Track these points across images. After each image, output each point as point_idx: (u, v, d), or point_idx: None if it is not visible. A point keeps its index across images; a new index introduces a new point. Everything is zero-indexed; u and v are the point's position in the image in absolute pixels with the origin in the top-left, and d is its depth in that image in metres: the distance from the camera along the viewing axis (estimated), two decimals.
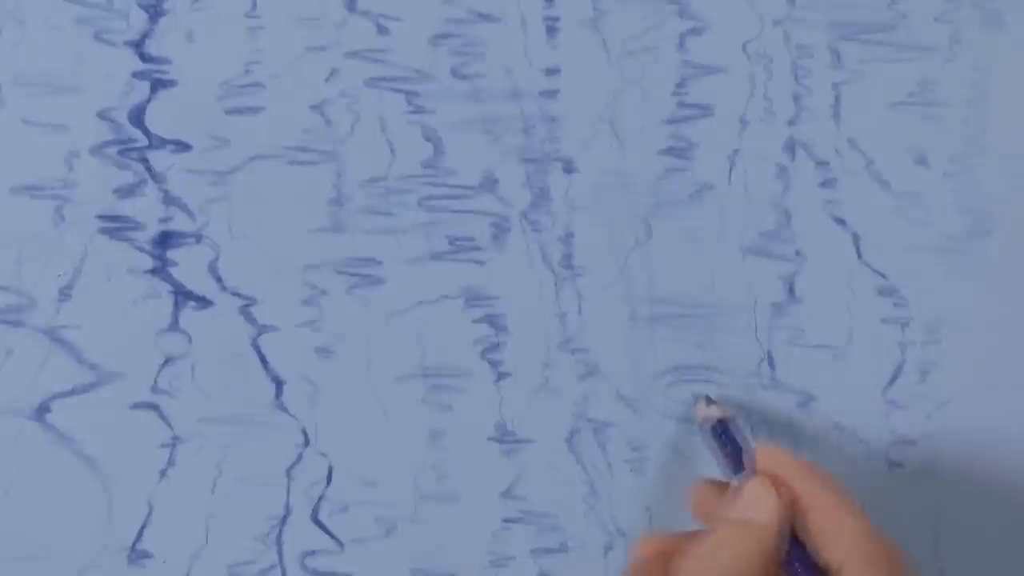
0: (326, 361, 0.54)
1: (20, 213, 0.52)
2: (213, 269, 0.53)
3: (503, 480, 0.56)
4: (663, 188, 0.54)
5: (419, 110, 0.53)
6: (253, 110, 0.52)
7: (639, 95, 0.54)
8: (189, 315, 0.53)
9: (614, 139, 0.54)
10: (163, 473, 0.54)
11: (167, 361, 0.54)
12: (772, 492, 0.46)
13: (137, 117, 0.52)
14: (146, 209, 0.53)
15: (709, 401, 0.54)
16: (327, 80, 0.52)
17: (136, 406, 0.54)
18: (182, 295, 0.53)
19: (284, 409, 0.54)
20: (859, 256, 0.55)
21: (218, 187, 0.52)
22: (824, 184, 0.55)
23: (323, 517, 0.55)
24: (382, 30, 0.52)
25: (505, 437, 0.56)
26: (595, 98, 0.53)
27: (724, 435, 0.51)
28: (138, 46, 0.51)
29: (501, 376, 0.55)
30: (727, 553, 0.45)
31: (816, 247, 0.55)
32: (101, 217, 0.53)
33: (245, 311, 0.54)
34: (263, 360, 0.54)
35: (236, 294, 0.53)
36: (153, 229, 0.53)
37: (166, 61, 0.52)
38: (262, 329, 0.54)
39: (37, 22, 0.51)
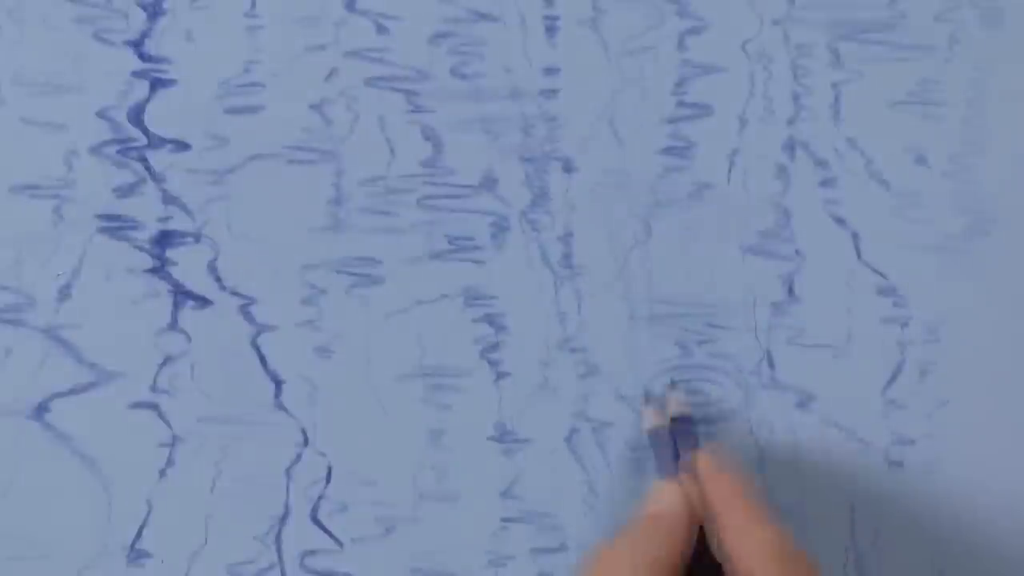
0: (325, 360, 0.54)
1: (20, 212, 0.52)
2: (212, 268, 0.53)
3: (503, 480, 0.56)
4: (663, 187, 0.54)
5: (419, 109, 0.53)
6: (252, 109, 0.52)
7: (638, 94, 0.54)
8: (188, 314, 0.53)
9: (613, 138, 0.54)
10: (162, 473, 0.54)
11: (166, 360, 0.54)
12: (675, 486, 0.49)
13: (136, 116, 0.52)
14: (145, 208, 0.53)
15: (656, 401, 0.54)
16: (326, 79, 0.52)
17: (135, 405, 0.54)
18: (181, 294, 0.53)
19: (283, 409, 0.54)
20: (859, 256, 0.55)
21: (217, 186, 0.52)
22: (824, 183, 0.55)
23: (322, 517, 0.55)
24: (381, 29, 0.52)
25: (505, 437, 0.56)
26: (594, 97, 0.53)
27: (672, 439, 0.52)
28: (137, 45, 0.51)
29: (500, 376, 0.55)
30: (637, 546, 0.46)
31: (816, 246, 0.55)
32: (100, 216, 0.53)
33: (244, 310, 0.54)
34: (262, 359, 0.54)
35: (235, 293, 0.53)
36: (152, 228, 0.53)
37: (165, 60, 0.52)
38: (261, 328, 0.54)
39: (37, 22, 0.51)
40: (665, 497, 0.49)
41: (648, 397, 0.54)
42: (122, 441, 0.54)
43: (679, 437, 0.52)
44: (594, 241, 0.54)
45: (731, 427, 0.56)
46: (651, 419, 0.53)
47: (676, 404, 0.53)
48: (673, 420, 0.52)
